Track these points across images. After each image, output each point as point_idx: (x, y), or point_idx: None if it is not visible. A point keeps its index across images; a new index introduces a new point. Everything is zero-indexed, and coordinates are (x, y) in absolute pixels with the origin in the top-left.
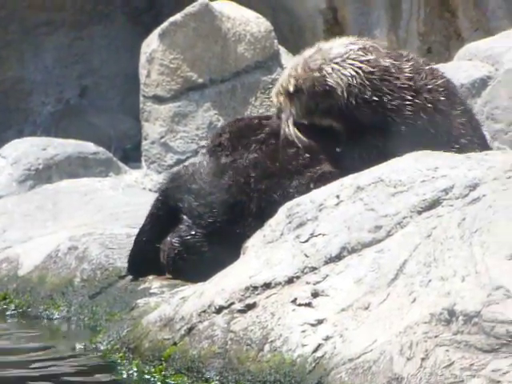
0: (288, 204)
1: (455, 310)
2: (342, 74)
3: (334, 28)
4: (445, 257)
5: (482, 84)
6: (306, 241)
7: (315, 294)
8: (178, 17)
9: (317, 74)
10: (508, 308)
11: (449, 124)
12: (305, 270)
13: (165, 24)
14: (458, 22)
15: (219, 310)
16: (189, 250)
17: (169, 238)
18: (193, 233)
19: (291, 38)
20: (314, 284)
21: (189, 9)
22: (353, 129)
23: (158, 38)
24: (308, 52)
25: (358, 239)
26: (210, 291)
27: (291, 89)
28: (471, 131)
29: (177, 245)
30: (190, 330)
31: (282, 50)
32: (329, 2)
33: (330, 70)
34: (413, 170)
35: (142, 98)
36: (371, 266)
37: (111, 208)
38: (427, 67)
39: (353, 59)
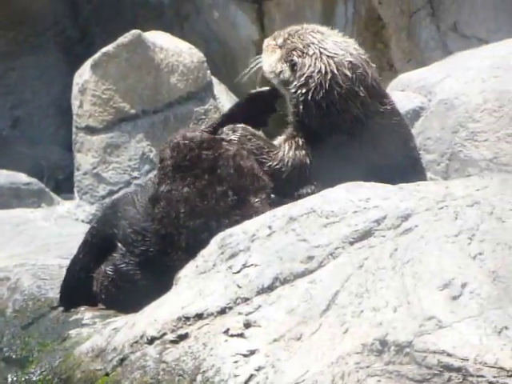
0: (220, 235)
1: (387, 341)
2: (317, 63)
3: None
4: (377, 287)
5: (414, 115)
6: (239, 271)
7: (247, 325)
8: (110, 47)
9: (301, 46)
10: (439, 338)
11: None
12: (237, 301)
13: (97, 55)
14: (390, 52)
15: (151, 341)
16: (122, 279)
17: (103, 267)
18: (126, 261)
19: (224, 68)
20: (247, 315)
21: (121, 39)
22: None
23: (91, 68)
24: (317, 27)
25: (290, 270)
26: (142, 322)
27: (279, 41)
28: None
29: (110, 273)
30: (122, 360)
31: (215, 80)
32: (261, 33)
33: (311, 52)
34: (345, 201)
35: (74, 129)
36: (303, 297)
37: (43, 239)
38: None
39: (334, 61)
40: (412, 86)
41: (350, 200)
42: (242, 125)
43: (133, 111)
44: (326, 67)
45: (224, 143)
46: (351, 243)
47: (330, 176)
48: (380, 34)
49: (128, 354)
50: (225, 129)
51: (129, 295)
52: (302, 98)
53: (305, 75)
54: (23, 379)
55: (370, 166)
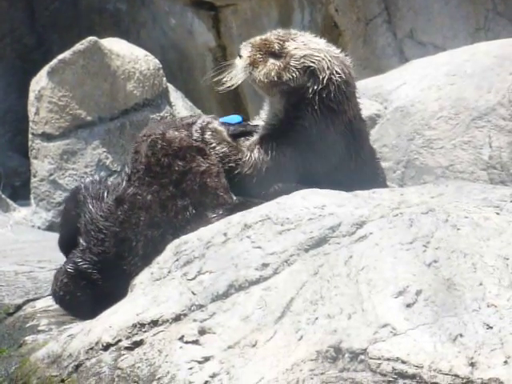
0: (175, 241)
1: (341, 348)
2: (331, 66)
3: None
4: (331, 294)
5: (370, 122)
6: (193, 278)
7: (202, 332)
8: (66, 54)
9: (310, 52)
10: (394, 345)
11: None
12: (192, 308)
13: (54, 61)
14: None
15: (106, 347)
16: (81, 276)
17: (63, 266)
18: (85, 258)
19: (180, 75)
20: (201, 321)
21: (77, 46)
22: (291, 123)
23: (47, 75)
24: (291, 31)
25: (245, 277)
26: (98, 328)
27: (275, 48)
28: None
29: (70, 270)
30: (78, 366)
31: (171, 87)
32: (218, 40)
33: (322, 56)
34: (300, 208)
35: (30, 136)
36: (258, 304)
37: None
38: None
39: (341, 61)
40: (368, 94)
41: (306, 207)
42: (214, 125)
43: (89, 118)
44: (339, 68)
45: (198, 157)
46: (306, 250)
47: (310, 178)
48: (336, 42)
49: (83, 360)
50: (197, 123)
51: (86, 294)
52: (319, 102)
53: (325, 78)
54: None
55: (350, 170)
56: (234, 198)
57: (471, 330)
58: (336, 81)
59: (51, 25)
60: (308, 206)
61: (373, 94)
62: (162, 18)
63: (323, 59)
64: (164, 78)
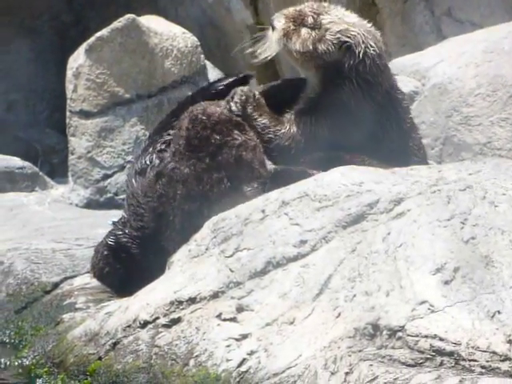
0: (213, 218)
1: (379, 325)
2: (366, 40)
3: None
4: (369, 271)
5: (408, 99)
6: (231, 255)
7: (240, 309)
8: (104, 32)
9: (346, 26)
10: (432, 322)
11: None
12: (230, 285)
13: (91, 39)
14: (384, 37)
15: (144, 325)
16: (121, 249)
17: (104, 239)
18: (126, 231)
19: (218, 53)
20: (239, 299)
21: (115, 24)
22: (329, 97)
23: (85, 53)
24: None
25: (283, 254)
26: (135, 306)
27: (309, 21)
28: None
29: (111, 243)
30: (115, 344)
31: (209, 65)
32: (256, 17)
33: (357, 31)
34: (338, 185)
35: (68, 113)
36: (296, 281)
37: (37, 223)
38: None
39: (374, 35)
40: (406, 71)
41: (343, 184)
42: (256, 96)
43: (127, 95)
44: (373, 42)
45: (235, 131)
46: (344, 227)
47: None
48: (374, 19)
49: (121, 338)
50: (236, 96)
51: (125, 268)
52: (356, 76)
53: (361, 53)
54: (16, 363)
55: (392, 140)
56: (273, 166)
57: (509, 307)
58: (371, 54)
59: (89, 2)
60: (346, 182)
61: (411, 71)
62: None
63: (358, 34)
64: (202, 56)
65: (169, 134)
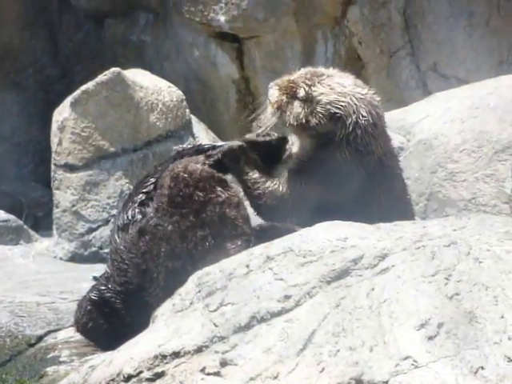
0: (198, 273)
1: (363, 380)
2: (357, 110)
3: (247, 98)
4: (353, 327)
5: None
6: (216, 310)
7: (224, 363)
8: (89, 85)
9: (336, 97)
10: (415, 378)
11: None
12: (214, 339)
13: (77, 92)
14: None
15: (128, 379)
16: (105, 304)
17: (87, 294)
18: (109, 287)
19: (204, 107)
20: (223, 353)
21: (101, 77)
22: (321, 163)
23: (70, 106)
24: (326, 70)
25: (267, 309)
26: (119, 359)
27: (301, 94)
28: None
29: (94, 298)
30: None
31: (194, 119)
32: (241, 71)
33: (348, 101)
34: (322, 240)
35: (53, 166)
36: (280, 336)
37: (21, 276)
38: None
39: (368, 103)
40: (391, 126)
41: (328, 239)
42: (248, 152)
43: (112, 149)
44: (365, 111)
45: (218, 188)
46: (328, 282)
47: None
48: (360, 74)
49: None
50: (229, 149)
51: (109, 323)
52: (346, 146)
53: (352, 123)
54: None
55: (378, 208)
56: (259, 223)
57: (492, 363)
58: (362, 124)
59: (74, 55)
60: (330, 238)
61: (396, 127)
62: (185, 49)
63: (349, 104)
64: (187, 110)
65: (147, 186)
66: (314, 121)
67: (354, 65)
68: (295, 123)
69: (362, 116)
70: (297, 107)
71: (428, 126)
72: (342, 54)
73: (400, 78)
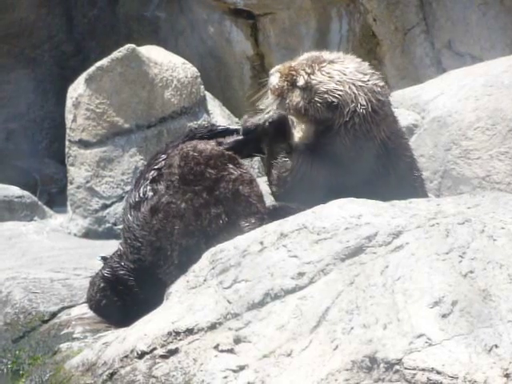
0: (212, 250)
1: (377, 358)
2: (355, 98)
3: (261, 75)
4: (367, 304)
5: (408, 132)
6: (229, 287)
7: (237, 340)
8: (104, 62)
9: (333, 86)
10: (429, 356)
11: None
12: (227, 316)
13: (91, 69)
14: (384, 69)
15: (141, 356)
16: (118, 281)
17: (100, 271)
18: (122, 264)
19: (218, 84)
20: (237, 330)
21: (115, 54)
22: (322, 149)
23: (85, 82)
24: (329, 55)
25: (281, 286)
26: (133, 336)
27: (300, 82)
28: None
29: (107, 275)
30: (112, 374)
31: (209, 95)
32: (256, 48)
33: (346, 90)
34: (336, 217)
35: (67, 143)
36: (294, 313)
37: (35, 252)
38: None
39: (368, 90)
40: (406, 103)
41: (342, 216)
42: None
43: (126, 125)
44: (365, 100)
45: (229, 165)
46: (342, 260)
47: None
48: (374, 51)
49: (118, 368)
50: (267, 116)
51: (122, 300)
52: (345, 133)
53: (349, 112)
54: None
55: (384, 188)
56: (272, 203)
57: (506, 341)
58: (361, 113)
59: (89, 32)
60: (344, 215)
61: (410, 104)
62: (200, 26)
63: (347, 93)
64: (202, 86)
65: (158, 163)
66: (312, 110)
67: (368, 42)
68: (294, 110)
69: (361, 105)
70: (296, 96)
71: (442, 104)
72: (356, 31)
73: (414, 56)
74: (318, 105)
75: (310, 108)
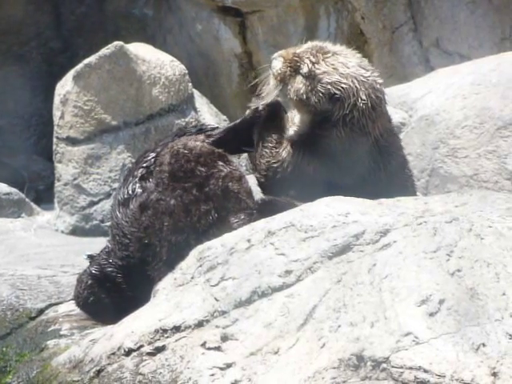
0: (199, 247)
1: (364, 356)
2: (357, 93)
3: (249, 72)
4: (354, 302)
5: (395, 130)
6: (217, 284)
7: (224, 338)
8: (92, 59)
9: (337, 78)
10: (416, 354)
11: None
12: (214, 314)
13: (79, 66)
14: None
15: (128, 353)
16: (106, 278)
17: (87, 268)
18: (110, 261)
19: (206, 81)
20: (224, 328)
21: (103, 51)
22: (315, 140)
23: (73, 79)
24: (333, 47)
25: (268, 283)
26: (120, 334)
27: (304, 70)
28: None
29: (95, 272)
30: (99, 372)
31: (197, 93)
32: (244, 46)
33: (349, 83)
34: (324, 215)
35: (55, 140)
36: (281, 311)
37: (22, 249)
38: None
39: (369, 86)
40: (393, 102)
41: (329, 214)
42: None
43: (114, 123)
44: (365, 95)
45: (219, 162)
46: (330, 258)
47: (339, 188)
48: (362, 49)
49: (105, 365)
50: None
51: (110, 297)
52: (342, 126)
53: (350, 105)
54: None
55: (375, 185)
56: (260, 197)
57: (494, 340)
58: (360, 107)
59: (77, 29)
60: (332, 213)
61: (398, 103)
62: (188, 23)
63: (350, 86)
64: (190, 84)
65: (147, 161)
66: (313, 99)
67: (356, 40)
68: (295, 98)
69: (361, 99)
70: (298, 82)
71: (430, 102)
72: (344, 29)
73: (402, 54)
74: (320, 95)
75: (311, 97)
